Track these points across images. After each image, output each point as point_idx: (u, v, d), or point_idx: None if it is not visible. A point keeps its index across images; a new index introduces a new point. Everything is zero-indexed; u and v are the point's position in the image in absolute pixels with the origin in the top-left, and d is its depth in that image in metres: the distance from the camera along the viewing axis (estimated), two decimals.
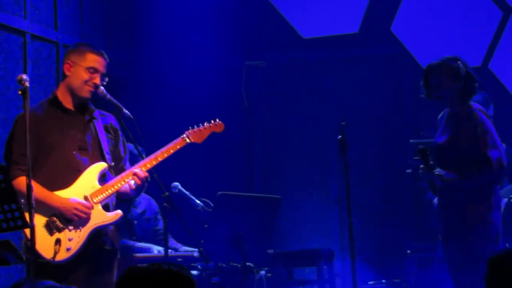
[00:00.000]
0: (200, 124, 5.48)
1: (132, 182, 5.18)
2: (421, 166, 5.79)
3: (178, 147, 5.34)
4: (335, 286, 7.41)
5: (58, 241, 5.00)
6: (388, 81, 8.84)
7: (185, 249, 6.85)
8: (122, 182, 5.18)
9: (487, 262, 3.42)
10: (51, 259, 4.95)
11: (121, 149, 5.39)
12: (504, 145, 6.51)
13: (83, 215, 5.05)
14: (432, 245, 7.54)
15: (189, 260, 6.46)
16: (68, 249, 5.00)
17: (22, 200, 4.45)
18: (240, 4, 8.79)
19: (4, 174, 4.25)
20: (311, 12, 8.81)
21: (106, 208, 5.19)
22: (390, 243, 8.51)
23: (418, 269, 7.62)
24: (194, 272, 6.43)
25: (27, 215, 4.34)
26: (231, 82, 8.72)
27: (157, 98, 8.61)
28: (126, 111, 5.32)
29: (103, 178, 5.21)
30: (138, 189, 5.26)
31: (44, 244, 4.94)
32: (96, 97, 5.27)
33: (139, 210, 7.08)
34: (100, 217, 5.13)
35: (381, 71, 8.84)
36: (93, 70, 5.19)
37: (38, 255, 4.80)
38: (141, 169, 5.19)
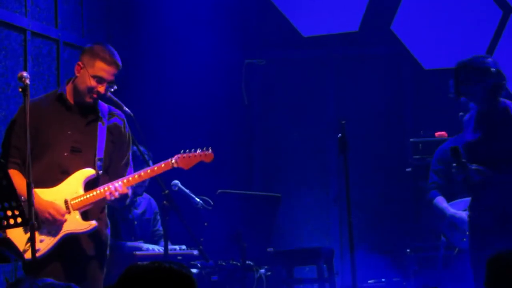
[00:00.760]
0: (192, 150, 5.35)
1: (109, 195, 5.05)
2: (454, 164, 5.78)
3: (163, 169, 5.24)
4: (334, 284, 7.41)
5: (30, 240, 4.86)
6: (388, 79, 8.84)
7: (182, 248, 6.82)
8: (103, 193, 5.06)
9: (486, 262, 3.42)
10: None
11: (123, 152, 5.30)
12: None
13: (52, 220, 4.98)
14: (432, 244, 7.55)
15: (188, 258, 6.45)
16: (37, 250, 4.81)
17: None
18: (240, 2, 8.78)
19: (3, 171, 4.25)
20: (311, 11, 8.79)
21: (85, 215, 5.10)
22: (389, 241, 8.51)
23: (418, 268, 7.62)
24: (194, 270, 6.41)
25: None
26: (231, 80, 8.72)
27: (157, 95, 8.59)
28: (127, 109, 5.29)
29: (94, 184, 5.13)
30: (119, 202, 5.16)
31: (18, 240, 4.80)
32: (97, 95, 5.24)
33: (139, 210, 7.06)
34: (74, 224, 5.04)
35: (381, 70, 8.83)
36: (98, 79, 5.10)
37: (19, 252, 4.70)
38: (122, 184, 5.09)
